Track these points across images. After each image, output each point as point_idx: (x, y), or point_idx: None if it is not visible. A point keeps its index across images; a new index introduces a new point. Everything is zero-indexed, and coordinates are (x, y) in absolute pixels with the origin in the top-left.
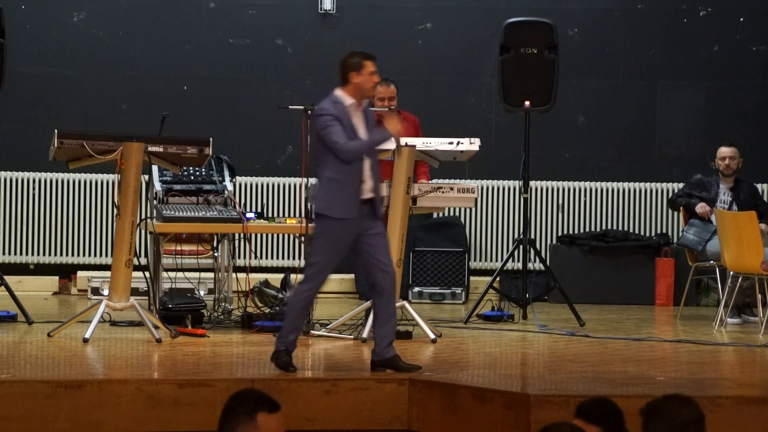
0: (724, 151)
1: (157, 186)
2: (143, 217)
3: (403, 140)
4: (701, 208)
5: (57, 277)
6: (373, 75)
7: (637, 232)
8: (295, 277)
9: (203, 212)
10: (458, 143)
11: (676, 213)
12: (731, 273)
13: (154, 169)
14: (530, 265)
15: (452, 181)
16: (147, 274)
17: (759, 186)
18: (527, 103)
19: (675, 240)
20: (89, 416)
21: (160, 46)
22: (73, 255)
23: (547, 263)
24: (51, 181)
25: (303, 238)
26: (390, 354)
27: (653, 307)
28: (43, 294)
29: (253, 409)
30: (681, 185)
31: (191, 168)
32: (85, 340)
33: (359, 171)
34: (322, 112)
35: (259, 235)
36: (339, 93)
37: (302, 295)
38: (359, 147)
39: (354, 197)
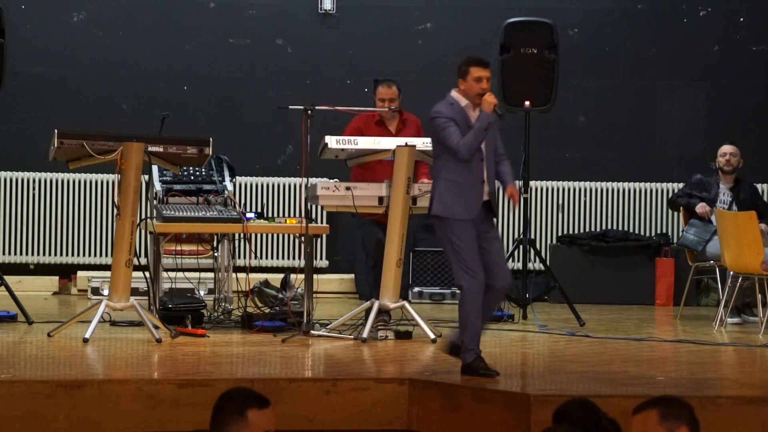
0: (726, 148)
1: (157, 186)
2: (143, 217)
3: (403, 140)
4: (701, 208)
5: (57, 277)
6: (478, 81)
7: (637, 232)
8: (295, 277)
9: (203, 212)
10: None
11: (676, 213)
12: (731, 273)
13: (154, 169)
14: (530, 265)
15: None
16: (147, 274)
17: (759, 186)
18: (527, 103)
19: (675, 240)
20: (89, 416)
21: (160, 46)
22: (73, 255)
23: (547, 263)
24: (51, 181)
25: (303, 238)
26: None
27: (653, 307)
28: (43, 294)
29: (243, 406)
30: (681, 185)
31: (191, 168)
32: (85, 340)
33: (479, 172)
34: (436, 114)
35: (259, 235)
36: (454, 94)
37: (471, 300)
38: (469, 140)
39: (475, 198)
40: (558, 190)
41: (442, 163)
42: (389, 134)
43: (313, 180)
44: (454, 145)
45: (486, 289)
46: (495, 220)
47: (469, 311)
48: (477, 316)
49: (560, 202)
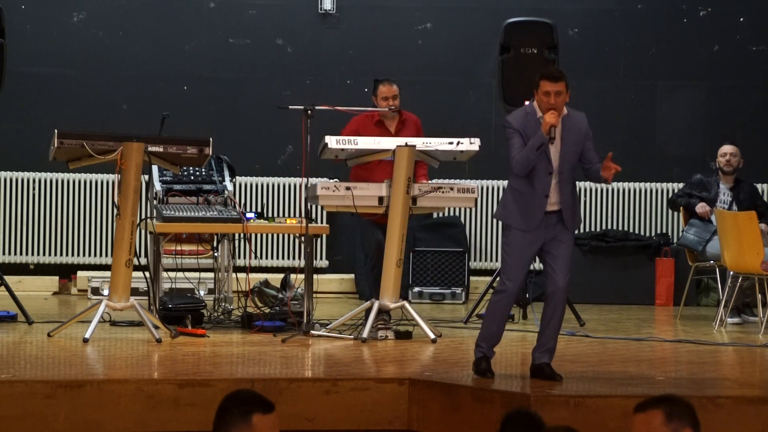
0: (726, 148)
1: (157, 186)
2: (143, 217)
3: (403, 140)
4: (701, 208)
5: (57, 277)
6: (546, 96)
7: (637, 232)
8: (295, 277)
9: (203, 212)
10: (458, 143)
11: (676, 213)
12: (731, 273)
13: (154, 169)
14: (530, 265)
15: (452, 181)
16: (147, 274)
17: (759, 186)
18: (527, 103)
19: (675, 240)
20: (89, 416)
21: (160, 46)
22: (73, 255)
23: None
24: (51, 181)
25: (303, 238)
26: (539, 360)
27: (653, 307)
28: (43, 294)
29: (248, 410)
30: (681, 185)
31: (191, 168)
32: (85, 340)
33: (543, 186)
34: (506, 124)
35: (259, 235)
36: (534, 104)
37: (495, 304)
38: (521, 157)
39: (535, 211)
40: None
41: (512, 173)
42: (388, 134)
43: (313, 180)
44: (510, 159)
45: (545, 294)
46: (573, 231)
47: (488, 312)
48: (494, 320)
49: None
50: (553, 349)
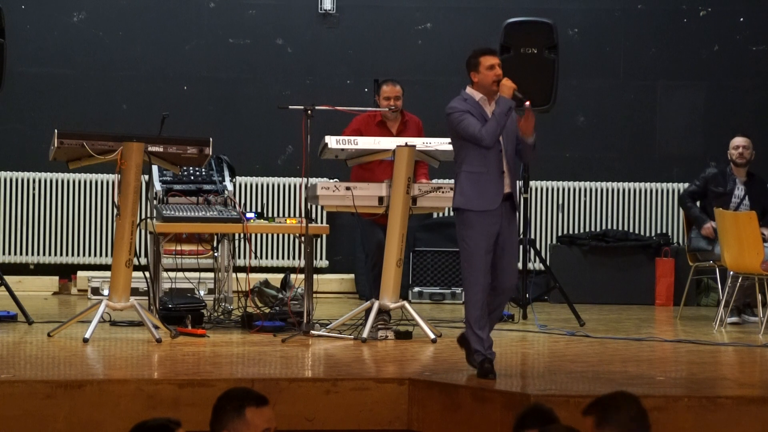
0: (739, 140)
1: (157, 186)
2: (143, 217)
3: (403, 140)
4: (706, 230)
5: (57, 277)
6: (491, 69)
7: (637, 232)
8: (295, 277)
9: (203, 212)
10: None
11: (676, 213)
12: (731, 273)
13: (154, 169)
14: (530, 265)
15: (452, 181)
16: (147, 274)
17: None
18: (527, 103)
19: (675, 240)
20: (89, 416)
21: (160, 46)
22: (73, 255)
23: (547, 263)
24: (51, 181)
25: (303, 238)
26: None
27: (653, 307)
28: (43, 294)
29: (241, 405)
30: (681, 185)
31: (191, 168)
32: (85, 340)
33: (498, 162)
34: (450, 110)
35: (259, 235)
36: (468, 90)
37: (471, 300)
38: (491, 126)
39: (494, 189)
40: (558, 190)
41: (462, 157)
42: (390, 135)
43: (313, 180)
44: (477, 133)
45: (491, 288)
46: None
47: (469, 309)
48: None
49: (560, 202)
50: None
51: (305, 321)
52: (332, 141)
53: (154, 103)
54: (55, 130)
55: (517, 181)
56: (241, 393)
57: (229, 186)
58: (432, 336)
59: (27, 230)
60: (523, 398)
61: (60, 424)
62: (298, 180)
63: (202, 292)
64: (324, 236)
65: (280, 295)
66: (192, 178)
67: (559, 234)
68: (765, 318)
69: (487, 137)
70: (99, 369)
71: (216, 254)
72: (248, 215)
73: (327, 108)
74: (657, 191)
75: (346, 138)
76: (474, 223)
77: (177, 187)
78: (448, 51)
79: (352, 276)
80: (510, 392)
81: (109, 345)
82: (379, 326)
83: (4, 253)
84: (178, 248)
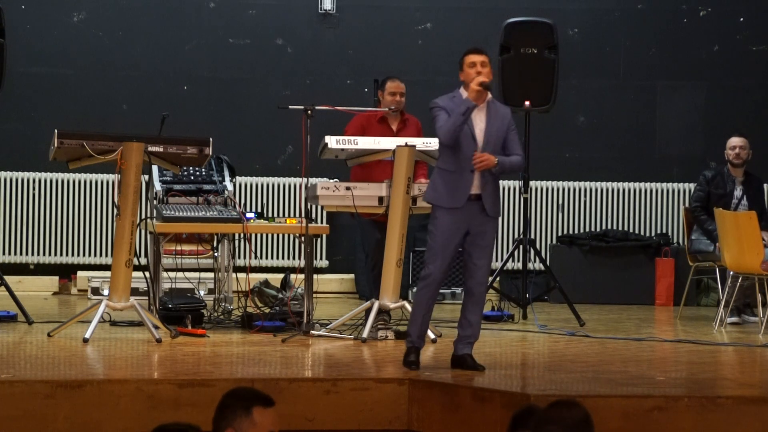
0: (735, 140)
1: (157, 186)
2: (143, 217)
3: (403, 140)
4: None
5: (57, 277)
6: (471, 66)
7: (637, 232)
8: (295, 277)
9: (203, 212)
10: None
11: (676, 213)
12: (731, 273)
13: (154, 169)
14: (530, 265)
15: None
16: (147, 274)
17: None
18: (527, 103)
19: (675, 240)
20: (89, 416)
21: (160, 46)
22: (73, 255)
23: (547, 263)
24: (51, 181)
25: (303, 238)
26: (461, 351)
27: (653, 307)
28: (43, 294)
29: (249, 404)
30: (681, 185)
31: (191, 168)
32: (85, 340)
33: (468, 162)
34: (432, 105)
35: (259, 235)
36: (461, 89)
37: (420, 291)
38: (447, 124)
39: (462, 188)
40: (558, 190)
41: (439, 153)
42: (391, 131)
43: (313, 180)
44: (437, 129)
45: (465, 289)
46: (495, 220)
47: (415, 300)
48: (420, 308)
49: (560, 202)
50: (474, 341)
51: (305, 321)
52: (332, 141)
53: (154, 103)
54: (55, 130)
55: (499, 184)
56: (248, 392)
57: (229, 186)
58: (432, 336)
59: (27, 230)
60: (523, 398)
61: (60, 424)
62: (298, 180)
63: (202, 292)
64: (324, 236)
65: (280, 295)
66: (192, 178)
67: (559, 234)
68: (765, 318)
69: (442, 135)
70: (99, 369)
71: (216, 254)
72: (248, 215)
73: (327, 108)
74: (657, 191)
75: (346, 138)
76: (441, 219)
77: (177, 187)
78: (448, 51)
79: (352, 276)
80: (510, 392)
81: (109, 345)
82: (379, 326)
83: (4, 253)
84: (178, 248)
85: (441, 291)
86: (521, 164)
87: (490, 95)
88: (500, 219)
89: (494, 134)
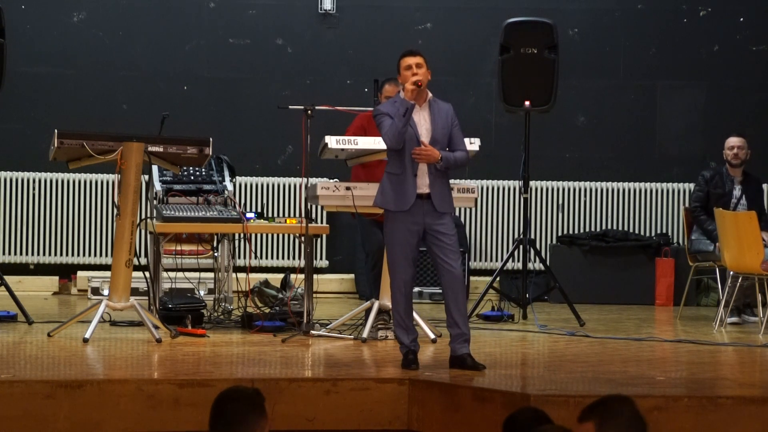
0: (733, 140)
1: (157, 186)
2: (143, 217)
3: None
4: None
5: (57, 277)
6: (407, 69)
7: (637, 232)
8: (295, 277)
9: (203, 212)
10: None
11: (676, 213)
12: (731, 273)
13: (154, 169)
14: (530, 265)
15: (452, 181)
16: (147, 274)
17: None
18: (527, 103)
19: (675, 240)
20: (89, 416)
21: (160, 46)
22: (73, 255)
23: (547, 263)
24: (51, 181)
25: (303, 238)
26: (459, 352)
27: (653, 307)
28: (43, 294)
29: (262, 409)
30: (681, 185)
31: (191, 168)
32: (85, 340)
33: (413, 164)
34: (375, 112)
35: (259, 235)
36: (401, 92)
37: (396, 300)
38: (389, 128)
39: (407, 190)
40: (558, 190)
41: (387, 157)
42: None
43: (313, 180)
44: (382, 135)
45: (442, 290)
46: (450, 214)
47: (397, 308)
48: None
49: (560, 202)
50: (469, 338)
51: (305, 321)
52: (332, 141)
53: (154, 103)
54: (55, 130)
55: (448, 181)
56: (252, 396)
57: (229, 186)
58: (432, 336)
59: (27, 230)
60: (523, 398)
61: (60, 424)
62: (298, 180)
63: (202, 292)
64: (324, 236)
65: (280, 295)
66: (192, 178)
67: (559, 234)
68: (765, 318)
69: (386, 139)
70: (99, 369)
71: (216, 254)
72: (248, 215)
73: (327, 108)
74: (657, 191)
75: (346, 138)
76: (393, 221)
77: (177, 187)
78: (448, 51)
79: (352, 276)
80: (510, 392)
81: (109, 345)
82: (379, 326)
83: (4, 253)
84: (178, 248)
85: (441, 291)
86: (466, 159)
87: (430, 94)
88: (500, 219)
89: (440, 132)
